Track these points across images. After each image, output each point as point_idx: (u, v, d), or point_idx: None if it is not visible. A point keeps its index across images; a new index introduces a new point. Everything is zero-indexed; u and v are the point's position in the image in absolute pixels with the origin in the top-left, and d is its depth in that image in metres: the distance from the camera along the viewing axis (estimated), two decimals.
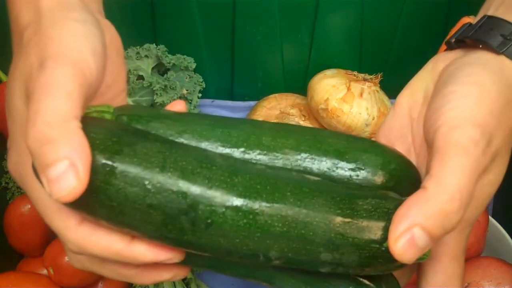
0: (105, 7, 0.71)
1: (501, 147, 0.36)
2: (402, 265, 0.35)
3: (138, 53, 0.74)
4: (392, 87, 0.75)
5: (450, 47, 0.43)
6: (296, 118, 0.75)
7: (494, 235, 0.66)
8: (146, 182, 0.32)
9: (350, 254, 0.34)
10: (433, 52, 0.72)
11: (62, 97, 0.31)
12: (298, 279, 0.39)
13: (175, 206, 0.33)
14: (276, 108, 0.77)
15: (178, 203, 0.33)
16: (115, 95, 0.42)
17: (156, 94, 0.71)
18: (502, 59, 0.39)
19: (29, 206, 0.67)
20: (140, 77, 0.73)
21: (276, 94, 0.80)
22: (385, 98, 0.74)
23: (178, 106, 0.41)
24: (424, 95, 0.41)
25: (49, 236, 0.69)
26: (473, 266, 0.59)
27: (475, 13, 0.69)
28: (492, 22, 0.41)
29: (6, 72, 0.69)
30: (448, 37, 0.44)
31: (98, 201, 0.33)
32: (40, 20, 0.35)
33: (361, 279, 0.37)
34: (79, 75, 0.33)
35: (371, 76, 0.73)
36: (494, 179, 0.37)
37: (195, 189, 0.33)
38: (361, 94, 0.71)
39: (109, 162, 0.32)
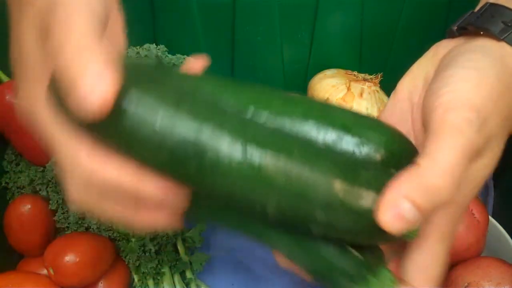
0: None
1: (496, 131, 0.37)
2: (391, 239, 0.36)
3: (138, 53, 0.74)
4: (392, 87, 0.75)
5: (452, 35, 0.43)
6: None
7: (494, 235, 0.66)
8: (159, 118, 0.34)
9: (345, 219, 0.34)
10: None
11: (82, 29, 0.33)
12: (288, 238, 0.39)
13: (183, 146, 0.34)
14: None
15: (187, 144, 0.34)
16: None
17: None
18: (503, 45, 0.39)
19: (29, 206, 0.67)
20: None
21: None
22: (385, 98, 0.74)
23: (196, 63, 0.43)
24: (424, 80, 0.42)
25: (49, 236, 0.69)
26: (473, 266, 0.59)
27: None
28: (494, 9, 0.41)
29: (6, 72, 0.69)
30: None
31: (112, 127, 0.34)
32: None
33: (349, 247, 0.38)
34: (93, 13, 0.35)
35: (371, 76, 0.73)
36: (488, 162, 0.38)
37: (205, 132, 0.34)
38: (361, 94, 0.71)
39: (128, 91, 0.34)
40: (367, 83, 0.73)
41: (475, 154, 0.36)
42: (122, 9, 0.42)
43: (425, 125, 0.38)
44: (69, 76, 0.32)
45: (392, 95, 0.44)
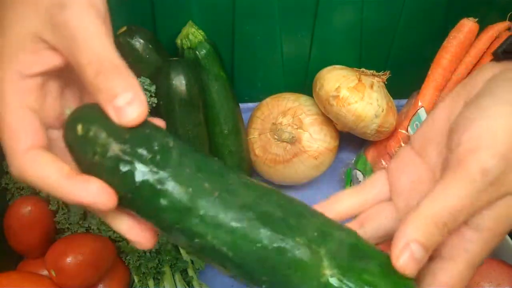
0: None
1: None
2: None
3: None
4: (391, 87, 0.75)
5: (497, 59, 0.43)
6: (289, 128, 0.75)
7: None
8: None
9: None
10: (433, 52, 0.72)
11: (102, 40, 0.37)
12: None
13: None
14: (269, 117, 0.77)
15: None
16: None
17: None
18: None
19: (30, 207, 0.67)
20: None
21: (268, 99, 0.80)
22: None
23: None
24: (464, 102, 0.41)
25: (50, 238, 0.69)
26: None
27: (474, 14, 0.69)
28: None
29: None
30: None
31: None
32: None
33: None
34: (101, 17, 0.38)
35: (379, 73, 0.73)
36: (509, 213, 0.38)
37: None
38: (371, 86, 0.71)
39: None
40: (376, 78, 0.73)
41: (486, 204, 0.37)
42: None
43: (449, 149, 0.38)
44: (105, 91, 0.36)
45: (430, 113, 0.44)
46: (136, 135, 0.36)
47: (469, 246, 0.37)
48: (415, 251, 0.35)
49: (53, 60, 0.39)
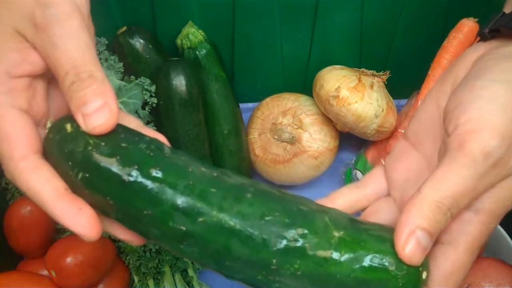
0: (105, 4, 0.71)
1: None
2: None
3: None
4: (391, 87, 0.75)
5: (484, 38, 0.42)
6: (289, 128, 0.75)
7: (494, 236, 0.66)
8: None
9: None
10: (433, 52, 0.72)
11: (82, 50, 0.36)
12: None
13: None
14: (269, 118, 0.77)
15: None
16: None
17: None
18: None
19: (30, 208, 0.67)
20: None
21: (268, 99, 0.80)
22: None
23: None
24: (452, 86, 0.41)
25: (49, 238, 0.69)
26: (473, 267, 0.58)
27: (474, 13, 0.69)
28: None
29: None
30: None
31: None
32: None
33: None
34: (85, 20, 0.37)
35: (379, 73, 0.74)
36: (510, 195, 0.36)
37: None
38: (371, 86, 0.71)
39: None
40: (376, 78, 0.73)
41: (488, 187, 0.35)
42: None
43: (447, 133, 0.37)
44: (76, 99, 0.36)
45: (420, 104, 0.44)
46: (127, 133, 0.37)
47: (468, 229, 0.36)
48: (421, 238, 0.34)
49: (40, 60, 0.38)
